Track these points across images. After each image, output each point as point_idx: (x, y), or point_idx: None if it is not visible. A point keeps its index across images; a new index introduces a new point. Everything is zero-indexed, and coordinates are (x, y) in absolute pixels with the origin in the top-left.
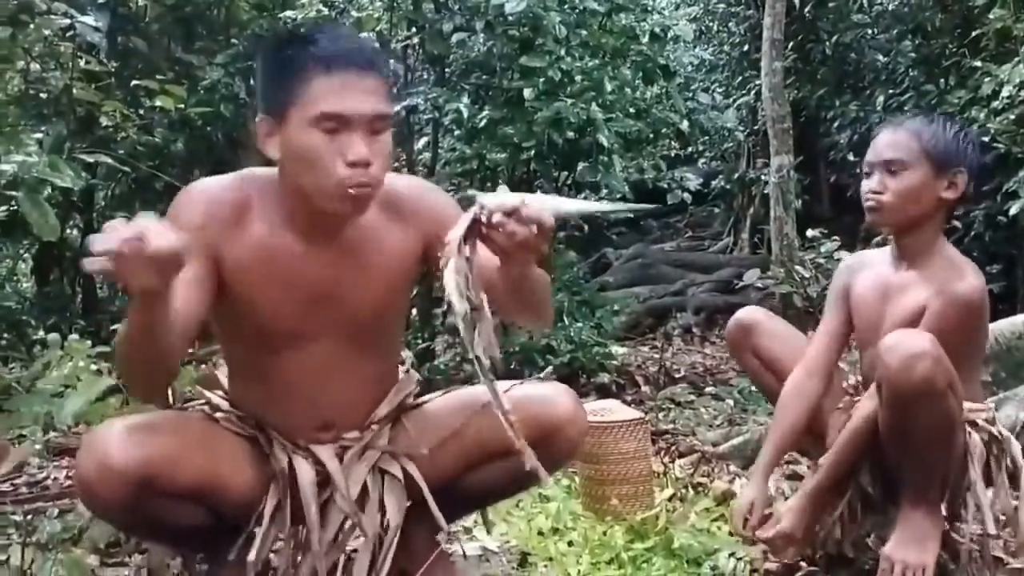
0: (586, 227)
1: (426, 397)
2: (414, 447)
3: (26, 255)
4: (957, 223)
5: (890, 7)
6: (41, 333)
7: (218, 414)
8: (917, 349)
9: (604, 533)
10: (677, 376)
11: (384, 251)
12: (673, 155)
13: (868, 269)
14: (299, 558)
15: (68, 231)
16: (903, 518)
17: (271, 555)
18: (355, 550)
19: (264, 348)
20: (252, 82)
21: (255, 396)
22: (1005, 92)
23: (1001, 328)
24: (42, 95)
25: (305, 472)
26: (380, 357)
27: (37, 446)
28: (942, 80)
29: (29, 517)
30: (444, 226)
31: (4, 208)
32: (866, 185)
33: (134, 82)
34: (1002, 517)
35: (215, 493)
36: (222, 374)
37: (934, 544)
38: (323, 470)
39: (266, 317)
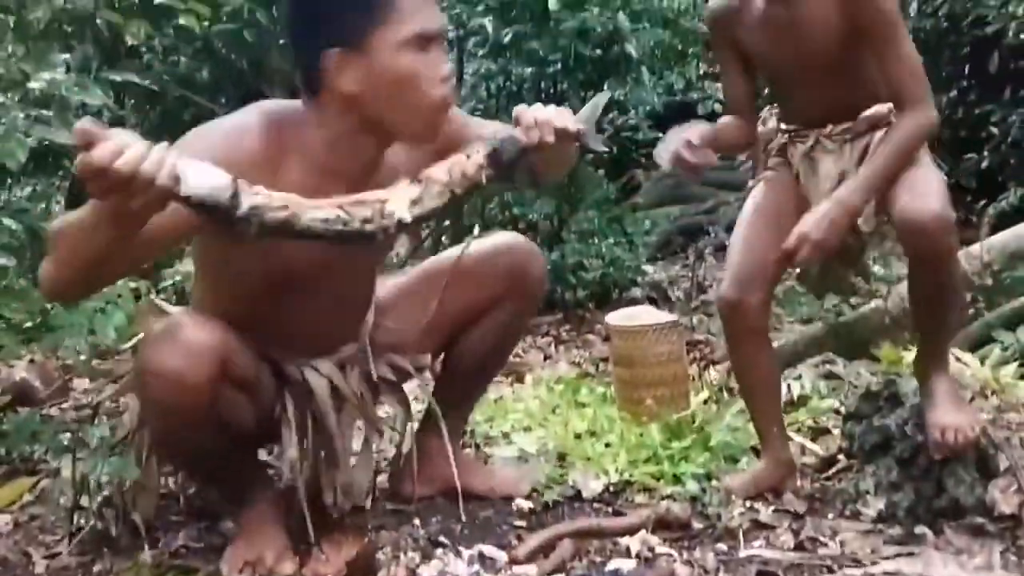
0: (614, 148)
1: (388, 284)
2: (399, 338)
3: (59, 197)
4: (994, 129)
5: None
6: None
7: None
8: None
9: (640, 434)
10: (710, 290)
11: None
12: (702, 73)
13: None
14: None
15: None
16: (934, 387)
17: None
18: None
19: (268, 293)
20: (275, 7)
21: (254, 331)
22: None
23: None
24: (66, 26)
25: (317, 381)
26: (371, 276)
27: (83, 357)
28: None
29: (78, 431)
30: (456, 132)
31: (34, 139)
32: None
33: (157, 1)
34: None
35: (256, 385)
36: (164, 304)
37: (967, 403)
38: (328, 382)
39: (294, 261)
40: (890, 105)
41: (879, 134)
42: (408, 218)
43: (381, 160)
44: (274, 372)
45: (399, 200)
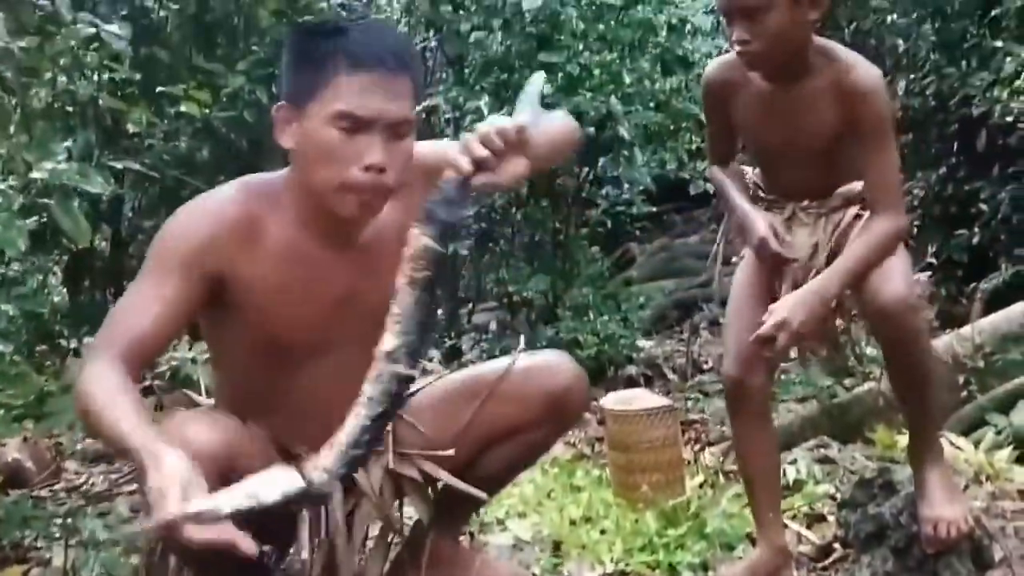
0: (609, 223)
1: (428, 387)
2: (427, 443)
3: (55, 269)
4: (983, 206)
5: None
6: (74, 343)
7: None
8: (908, 296)
9: (636, 520)
10: (705, 367)
11: (399, 241)
12: (695, 148)
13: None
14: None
15: (97, 243)
16: (927, 477)
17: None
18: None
19: (276, 365)
20: (275, 88)
21: (262, 415)
22: None
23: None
24: (68, 108)
25: None
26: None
27: (79, 446)
28: (964, 62)
29: (70, 520)
30: (439, 163)
31: (34, 219)
32: (730, 33)
33: (159, 89)
34: None
35: None
36: (191, 394)
37: (960, 492)
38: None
39: (283, 330)
40: (863, 184)
41: (852, 210)
42: (403, 367)
43: (361, 223)
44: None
45: (384, 357)
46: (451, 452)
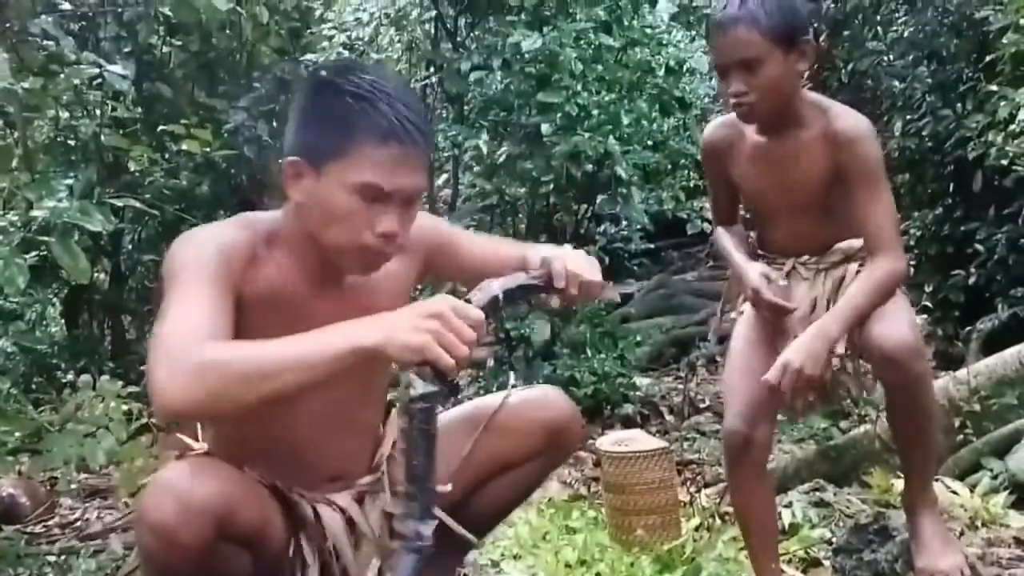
0: (606, 259)
1: None
2: None
3: (54, 300)
4: (979, 247)
5: (905, 34)
6: (71, 376)
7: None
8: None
9: (631, 564)
10: (702, 406)
11: (387, 289)
12: (692, 186)
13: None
14: None
15: (96, 275)
16: (921, 526)
17: None
18: None
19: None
20: (275, 123)
21: (257, 459)
22: (1022, 115)
23: None
24: (71, 142)
25: (330, 517)
26: (379, 398)
27: (73, 486)
28: (959, 105)
29: (63, 557)
30: (441, 238)
31: (34, 254)
32: (726, 87)
33: (160, 127)
34: None
35: (261, 539)
36: (186, 438)
37: (955, 540)
38: (345, 517)
39: None
40: (862, 241)
41: (853, 266)
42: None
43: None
44: (286, 511)
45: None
46: (448, 488)
